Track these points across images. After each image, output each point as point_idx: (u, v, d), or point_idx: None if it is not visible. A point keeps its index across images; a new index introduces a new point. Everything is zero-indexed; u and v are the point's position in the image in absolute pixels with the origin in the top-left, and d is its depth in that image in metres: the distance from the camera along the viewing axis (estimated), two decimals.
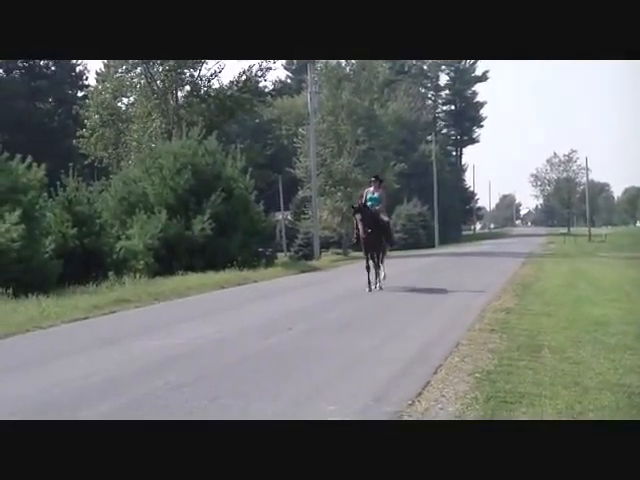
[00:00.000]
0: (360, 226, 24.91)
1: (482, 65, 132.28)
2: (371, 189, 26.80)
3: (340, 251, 61.43)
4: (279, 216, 63.52)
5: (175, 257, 36.04)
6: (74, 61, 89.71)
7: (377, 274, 26.17)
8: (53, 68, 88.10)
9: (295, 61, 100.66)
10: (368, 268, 25.74)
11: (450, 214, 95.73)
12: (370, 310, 20.98)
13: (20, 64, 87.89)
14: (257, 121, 69.43)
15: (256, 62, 57.17)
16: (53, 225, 29.69)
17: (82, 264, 29.35)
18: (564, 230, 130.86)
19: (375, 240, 25.36)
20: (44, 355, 14.41)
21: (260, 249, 42.47)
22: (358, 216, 25.23)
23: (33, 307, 20.72)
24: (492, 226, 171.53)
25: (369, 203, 25.83)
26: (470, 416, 8.74)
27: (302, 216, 64.30)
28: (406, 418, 8.95)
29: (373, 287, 25.48)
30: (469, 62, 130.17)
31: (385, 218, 26.80)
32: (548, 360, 11.97)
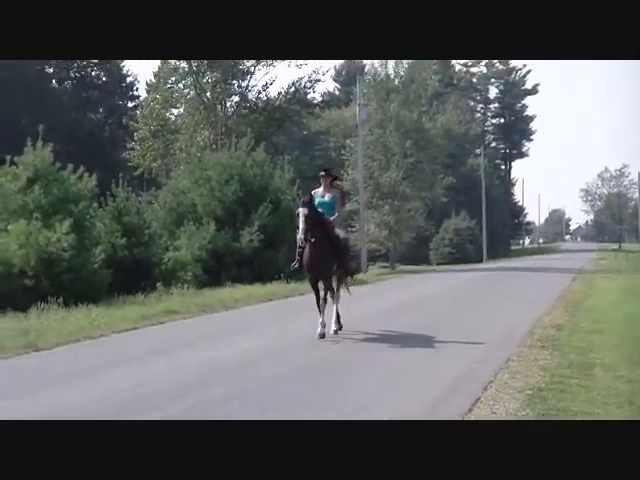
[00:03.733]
0: (300, 231, 16.58)
1: (532, 78, 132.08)
2: (320, 190, 18.02)
3: (387, 264, 61.36)
4: None
5: (223, 269, 36.09)
6: (124, 72, 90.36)
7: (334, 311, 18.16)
8: (104, 79, 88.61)
9: (344, 73, 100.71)
10: (318, 301, 17.55)
11: (498, 228, 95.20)
12: (417, 324, 20.91)
13: (72, 75, 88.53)
14: (305, 133, 69.58)
15: (305, 74, 57.33)
16: (103, 235, 29.77)
17: (131, 274, 29.39)
18: (615, 246, 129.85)
19: (321, 258, 17.04)
20: (94, 365, 14.48)
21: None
22: (301, 212, 16.51)
23: (83, 317, 20.91)
24: (541, 241, 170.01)
25: (319, 211, 17.23)
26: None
27: (349, 229, 64.37)
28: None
29: (325, 330, 17.38)
30: (519, 75, 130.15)
31: (340, 234, 18.03)
32: (600, 378, 11.89)
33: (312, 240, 16.67)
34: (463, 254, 76.29)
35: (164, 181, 46.70)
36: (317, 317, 17.32)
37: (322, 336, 17.01)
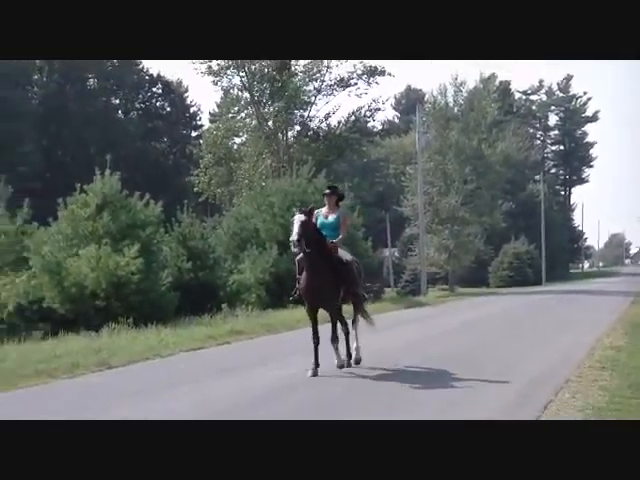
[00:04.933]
0: (294, 233, 14.24)
1: (593, 105, 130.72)
2: (324, 210, 15.71)
3: (446, 287, 61.33)
4: (386, 252, 63.75)
5: (285, 291, 36.38)
6: (188, 102, 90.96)
7: (346, 341, 16.14)
8: (168, 109, 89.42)
9: (403, 101, 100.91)
10: (314, 334, 15.31)
11: (558, 252, 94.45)
12: (476, 345, 21.09)
13: (137, 105, 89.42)
14: (365, 160, 69.91)
15: (365, 103, 57.50)
16: (169, 259, 30.37)
17: (197, 296, 29.90)
18: None
19: (320, 283, 14.62)
20: (164, 383, 14.70)
21: (368, 284, 42.48)
22: (297, 218, 14.41)
23: (152, 336, 21.34)
24: (601, 264, 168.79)
25: (322, 233, 14.97)
26: None
27: (409, 253, 64.36)
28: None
29: (342, 361, 15.55)
30: (580, 102, 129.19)
31: (345, 256, 15.42)
32: None
33: (307, 251, 14.27)
34: (522, 277, 75.58)
35: (227, 207, 47.13)
36: (312, 355, 14.94)
37: (314, 375, 14.62)
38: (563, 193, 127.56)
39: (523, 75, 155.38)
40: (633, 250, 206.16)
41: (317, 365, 14.69)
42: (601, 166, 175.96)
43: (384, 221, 68.10)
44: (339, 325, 15.81)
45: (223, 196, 50.46)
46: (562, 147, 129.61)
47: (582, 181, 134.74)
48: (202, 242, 34.28)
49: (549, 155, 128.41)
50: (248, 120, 53.47)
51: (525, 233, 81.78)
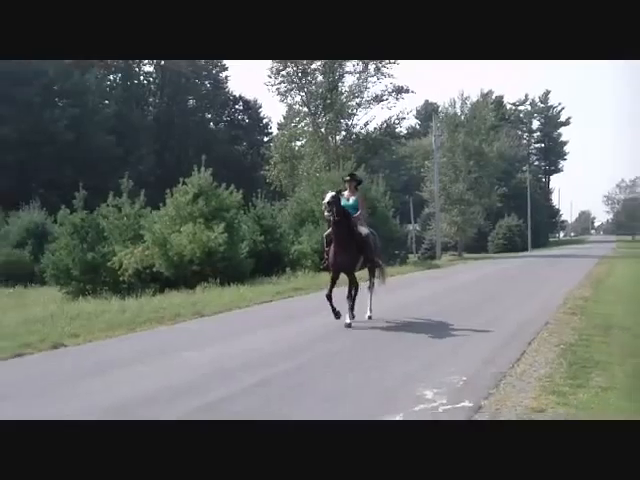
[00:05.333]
0: (327, 199, 13.84)
1: (565, 113, 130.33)
2: (346, 193, 15.25)
3: (456, 253, 61.31)
4: (410, 227, 63.52)
5: None
6: (262, 115, 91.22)
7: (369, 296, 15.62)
8: (247, 121, 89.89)
9: (423, 112, 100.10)
10: (330, 294, 14.36)
11: (540, 226, 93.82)
12: (479, 296, 20.89)
13: (225, 118, 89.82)
14: (394, 157, 69.56)
15: (394, 113, 57.57)
16: (247, 233, 30.33)
17: (267, 262, 30.02)
18: (629, 238, 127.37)
19: (345, 256, 14.14)
20: (243, 327, 14.69)
21: (396, 252, 43.02)
22: (329, 194, 14.01)
23: (234, 293, 21.47)
24: (572, 234, 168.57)
25: None
26: (557, 377, 8.74)
27: (427, 227, 64.34)
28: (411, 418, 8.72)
29: (349, 318, 14.41)
30: (555, 111, 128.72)
31: (363, 230, 14.77)
32: (617, 336, 11.83)
33: (337, 219, 13.70)
34: (513, 245, 76.16)
35: (290, 194, 47.20)
36: (336, 310, 14.40)
37: (349, 323, 14.14)
38: (544, 180, 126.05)
39: (513, 90, 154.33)
40: (597, 223, 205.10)
41: (337, 313, 14.38)
42: (573, 159, 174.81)
43: (408, 203, 67.58)
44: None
45: (287, 186, 50.43)
46: (543, 145, 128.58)
47: (558, 171, 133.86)
48: (271, 220, 34.35)
49: (533, 151, 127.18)
50: (306, 128, 53.59)
51: (515, 211, 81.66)
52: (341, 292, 14.93)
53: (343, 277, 14.82)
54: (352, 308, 14.62)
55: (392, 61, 52.01)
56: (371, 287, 15.72)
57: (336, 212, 13.68)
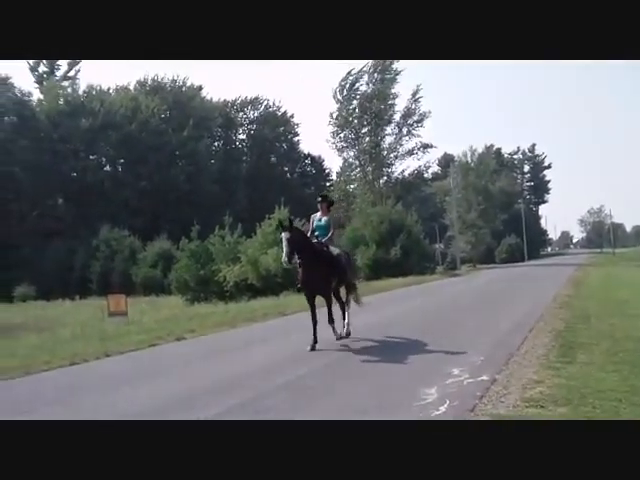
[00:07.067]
0: (284, 254, 10.25)
1: (548, 159, 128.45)
2: (318, 215, 11.49)
3: (471, 264, 60.84)
4: (436, 246, 63.08)
5: (381, 270, 36.30)
6: (325, 166, 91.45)
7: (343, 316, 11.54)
8: (313, 171, 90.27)
9: (443, 160, 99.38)
10: (313, 317, 10.58)
11: (533, 242, 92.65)
12: (494, 292, 20.58)
13: (297, 170, 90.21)
14: (423, 194, 69.27)
15: (422, 163, 57.80)
16: None
17: None
18: (598, 250, 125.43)
19: (314, 275, 10.39)
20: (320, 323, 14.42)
21: (426, 264, 42.94)
22: (284, 237, 10.24)
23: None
24: (557, 249, 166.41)
25: (316, 233, 11.21)
26: (551, 355, 8.52)
27: (449, 246, 64.11)
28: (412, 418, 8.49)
29: (340, 338, 10.96)
30: (540, 158, 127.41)
31: (334, 250, 11.17)
32: (594, 324, 11.50)
33: (300, 261, 10.17)
34: (513, 257, 75.31)
35: (347, 224, 47.18)
36: (312, 332, 10.50)
37: (312, 349, 10.19)
38: (534, 209, 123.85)
39: (508, 143, 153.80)
40: (574, 240, 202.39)
41: (315, 341, 10.34)
42: (555, 193, 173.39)
43: (434, 228, 67.06)
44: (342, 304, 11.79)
45: (345, 218, 50.33)
46: (532, 183, 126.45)
47: (544, 202, 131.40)
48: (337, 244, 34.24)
49: (525, 188, 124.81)
50: (357, 175, 53.46)
51: (513, 232, 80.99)
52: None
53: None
54: (347, 324, 11.36)
55: (420, 125, 52.11)
56: (346, 304, 11.78)
57: (297, 251, 10.10)
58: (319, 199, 11.61)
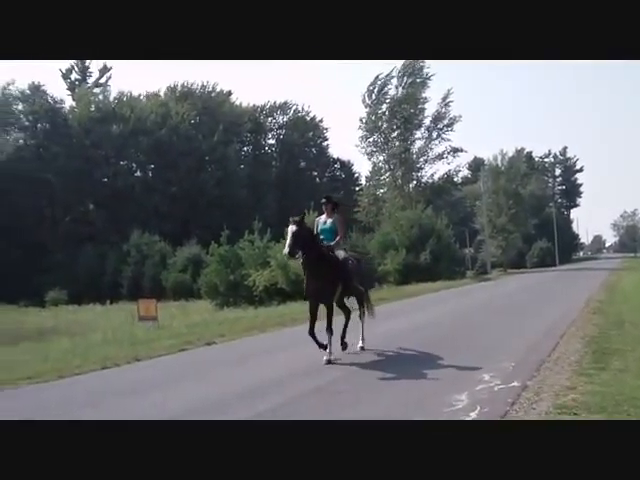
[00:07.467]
0: (286, 246, 9.62)
1: (580, 163, 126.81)
2: (322, 217, 10.63)
3: (502, 269, 60.25)
4: (466, 251, 62.70)
5: (411, 274, 36.21)
6: (354, 170, 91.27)
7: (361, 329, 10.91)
8: (343, 175, 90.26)
9: (473, 164, 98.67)
10: (312, 328, 9.75)
11: (564, 246, 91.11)
12: (522, 300, 20.41)
13: (327, 174, 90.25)
14: (453, 198, 68.73)
15: (452, 167, 57.60)
16: None
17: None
18: (632, 255, 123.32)
19: (318, 283, 9.61)
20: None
21: (456, 269, 42.80)
22: (290, 230, 9.47)
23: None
24: (589, 253, 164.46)
25: (321, 237, 10.22)
26: (584, 362, 8.39)
27: (479, 250, 63.67)
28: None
29: (331, 355, 9.57)
30: (572, 162, 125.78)
31: (340, 254, 10.18)
32: (629, 330, 11.30)
33: (303, 261, 9.65)
34: (544, 262, 74.29)
35: (377, 228, 47.14)
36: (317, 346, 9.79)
37: (329, 361, 9.44)
38: (566, 213, 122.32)
39: (539, 147, 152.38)
40: (607, 244, 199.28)
41: (324, 347, 9.66)
42: (587, 196, 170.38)
43: (464, 232, 66.65)
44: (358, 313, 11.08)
45: (373, 223, 50.17)
46: (564, 187, 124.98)
47: (576, 205, 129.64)
48: (363, 248, 34.19)
49: (557, 192, 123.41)
50: (387, 180, 53.30)
51: (545, 236, 79.72)
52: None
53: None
54: (344, 339, 10.49)
55: (450, 129, 51.97)
56: (362, 316, 11.07)
57: (302, 248, 9.47)
58: (323, 200, 10.79)
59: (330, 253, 9.99)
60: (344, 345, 10.39)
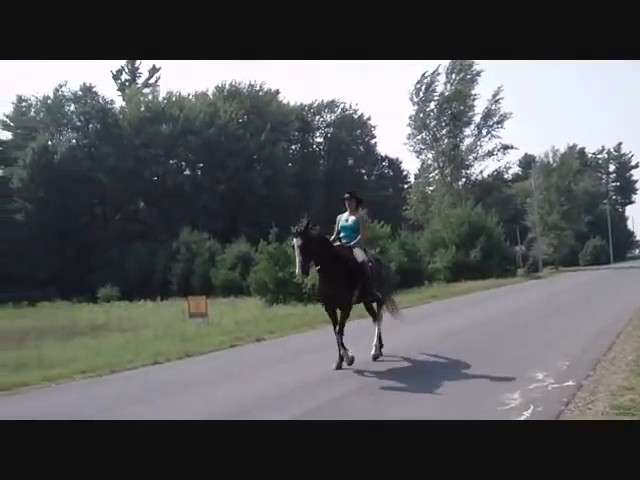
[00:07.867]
0: (297, 265, 8.63)
1: (635, 158, 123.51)
2: (345, 215, 9.75)
3: (554, 267, 59.22)
4: (517, 248, 61.75)
5: (461, 272, 35.93)
6: (402, 168, 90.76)
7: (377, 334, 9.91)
8: (391, 173, 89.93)
9: (523, 161, 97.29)
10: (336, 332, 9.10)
11: (619, 244, 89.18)
12: (579, 297, 20.14)
13: (375, 173, 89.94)
14: (503, 195, 67.77)
15: (502, 164, 56.90)
16: (394, 255, 29.32)
17: (409, 277, 29.34)
18: None
19: (333, 286, 8.84)
20: (393, 324, 14.23)
21: (507, 267, 42.34)
22: (295, 244, 8.67)
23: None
24: None
25: (341, 235, 9.59)
26: None
27: (530, 248, 62.63)
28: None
29: (345, 361, 8.93)
30: (627, 158, 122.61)
31: (359, 256, 9.21)
32: None
33: (317, 268, 8.80)
34: (598, 260, 72.97)
35: (425, 226, 46.91)
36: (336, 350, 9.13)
37: (338, 367, 8.87)
38: (620, 210, 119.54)
39: (592, 143, 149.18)
40: None
41: (341, 359, 8.99)
42: None
43: (515, 230, 65.64)
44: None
45: (422, 220, 49.90)
46: (618, 183, 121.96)
47: (631, 202, 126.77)
48: (412, 245, 34.05)
49: (611, 188, 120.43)
50: (435, 177, 53.00)
51: (598, 234, 78.37)
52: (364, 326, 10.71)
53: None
54: (374, 345, 9.90)
55: (500, 126, 51.38)
56: (378, 320, 10.06)
57: (311, 258, 8.63)
58: (346, 196, 9.83)
59: (348, 255, 9.19)
60: (378, 352, 9.80)
